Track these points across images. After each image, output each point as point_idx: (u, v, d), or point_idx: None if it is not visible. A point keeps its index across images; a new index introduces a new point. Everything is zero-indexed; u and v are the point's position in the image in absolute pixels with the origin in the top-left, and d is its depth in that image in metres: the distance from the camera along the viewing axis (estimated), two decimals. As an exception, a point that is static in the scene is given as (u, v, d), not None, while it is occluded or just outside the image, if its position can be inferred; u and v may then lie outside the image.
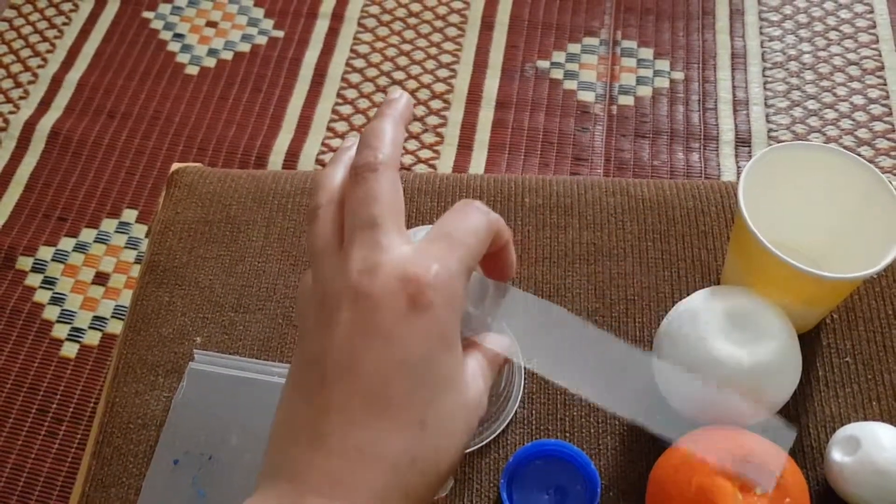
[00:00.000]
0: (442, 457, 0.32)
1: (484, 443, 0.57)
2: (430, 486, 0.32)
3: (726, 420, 0.51)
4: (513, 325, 0.42)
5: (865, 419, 0.56)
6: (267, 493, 0.32)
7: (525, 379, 0.59)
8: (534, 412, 0.58)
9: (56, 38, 1.65)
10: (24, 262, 1.37)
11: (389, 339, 0.31)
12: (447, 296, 0.32)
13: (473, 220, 0.34)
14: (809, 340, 0.59)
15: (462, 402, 0.33)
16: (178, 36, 1.64)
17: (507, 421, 0.57)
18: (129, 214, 1.42)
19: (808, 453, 0.55)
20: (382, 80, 1.56)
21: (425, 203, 0.68)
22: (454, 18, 1.63)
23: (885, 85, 1.49)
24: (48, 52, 1.63)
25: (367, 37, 1.62)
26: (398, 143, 0.36)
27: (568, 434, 0.57)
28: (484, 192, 0.68)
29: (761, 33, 1.57)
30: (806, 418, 0.56)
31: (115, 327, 1.30)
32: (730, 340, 0.50)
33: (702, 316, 0.52)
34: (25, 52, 1.63)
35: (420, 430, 0.31)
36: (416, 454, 0.31)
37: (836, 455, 0.51)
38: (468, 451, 0.56)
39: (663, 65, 1.54)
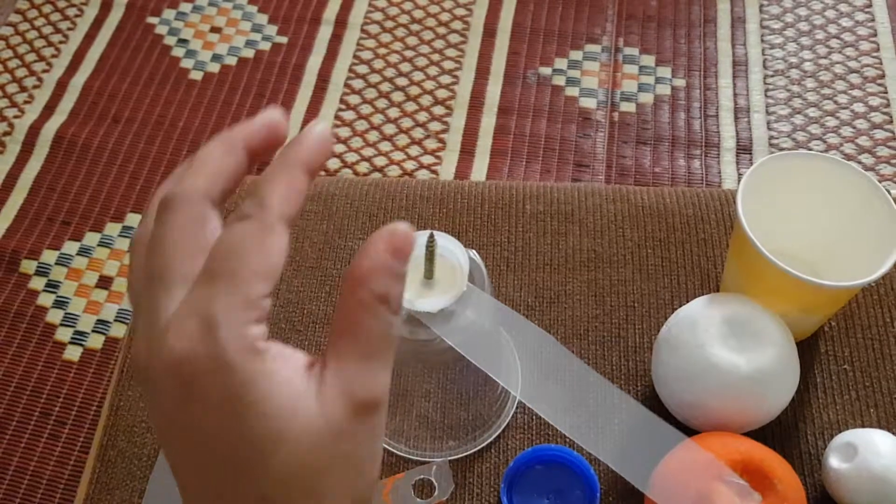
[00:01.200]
0: None
1: (481, 446, 0.57)
2: None
3: (724, 426, 0.52)
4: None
5: (863, 426, 0.56)
6: None
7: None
8: (534, 417, 0.58)
9: (61, 42, 1.66)
10: (28, 266, 1.37)
11: (182, 431, 0.26)
12: (213, 355, 0.25)
13: (235, 237, 0.27)
14: (808, 347, 0.59)
15: (309, 448, 0.26)
16: (183, 41, 1.65)
17: (505, 424, 0.58)
18: (133, 219, 1.42)
19: (805, 460, 0.55)
20: (385, 86, 1.56)
21: (427, 210, 0.68)
22: (457, 25, 1.64)
23: (886, 93, 1.49)
24: (53, 56, 1.64)
25: (371, 43, 1.63)
26: (223, 172, 0.29)
27: (568, 439, 0.57)
28: (485, 198, 0.69)
29: (762, 41, 1.58)
30: (804, 425, 0.57)
31: (119, 331, 1.31)
32: (728, 347, 0.51)
33: (701, 323, 0.52)
34: (30, 57, 1.64)
35: None
36: None
37: (834, 462, 0.51)
38: (465, 454, 0.57)
39: (665, 72, 1.55)
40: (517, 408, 0.58)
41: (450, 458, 0.57)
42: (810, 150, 1.43)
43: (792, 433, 0.56)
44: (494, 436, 0.57)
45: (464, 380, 0.57)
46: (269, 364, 0.26)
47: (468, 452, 0.57)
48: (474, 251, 0.47)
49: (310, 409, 0.26)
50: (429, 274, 0.44)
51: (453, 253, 0.46)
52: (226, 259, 0.26)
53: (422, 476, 0.54)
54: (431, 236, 0.43)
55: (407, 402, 0.58)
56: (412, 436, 0.57)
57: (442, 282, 0.45)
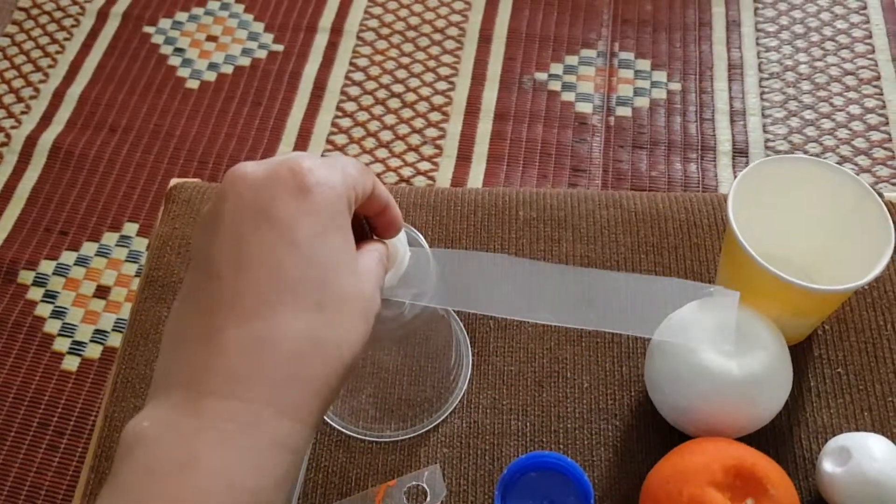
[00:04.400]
0: (342, 340, 0.31)
1: (437, 422, 0.58)
2: (333, 373, 0.31)
3: (718, 431, 0.52)
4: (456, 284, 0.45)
5: (857, 430, 0.56)
6: (159, 405, 0.30)
7: (519, 391, 0.59)
8: (528, 424, 0.58)
9: (58, 53, 1.66)
10: (26, 277, 1.38)
11: (275, 221, 0.31)
12: (330, 185, 0.32)
13: (351, 161, 0.36)
14: (801, 351, 0.59)
15: (357, 289, 0.33)
16: (179, 50, 1.65)
17: (456, 402, 0.58)
18: (130, 228, 1.42)
19: (799, 464, 0.55)
20: (381, 93, 1.57)
21: (421, 217, 0.68)
22: (452, 31, 1.65)
23: (882, 95, 1.49)
24: (50, 66, 1.64)
25: (367, 50, 1.63)
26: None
27: (562, 446, 0.57)
28: (479, 205, 0.69)
29: (758, 44, 1.58)
30: (798, 429, 0.57)
31: (116, 341, 1.31)
32: (720, 352, 0.51)
33: (693, 327, 0.52)
34: (27, 68, 1.64)
35: (317, 312, 0.30)
36: (315, 336, 0.30)
37: (828, 466, 0.51)
38: (422, 431, 0.58)
39: (660, 76, 1.55)
40: (511, 415, 0.58)
41: (408, 437, 0.58)
42: (806, 152, 1.43)
43: (786, 437, 0.56)
44: (450, 410, 0.58)
45: (415, 357, 0.58)
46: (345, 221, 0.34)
47: (415, 434, 0.58)
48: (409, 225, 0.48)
49: (372, 280, 0.36)
50: None
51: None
52: (346, 164, 0.35)
53: (414, 483, 0.54)
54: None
55: (360, 382, 0.58)
56: (366, 416, 0.58)
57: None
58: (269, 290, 0.30)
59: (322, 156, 0.37)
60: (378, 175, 1.45)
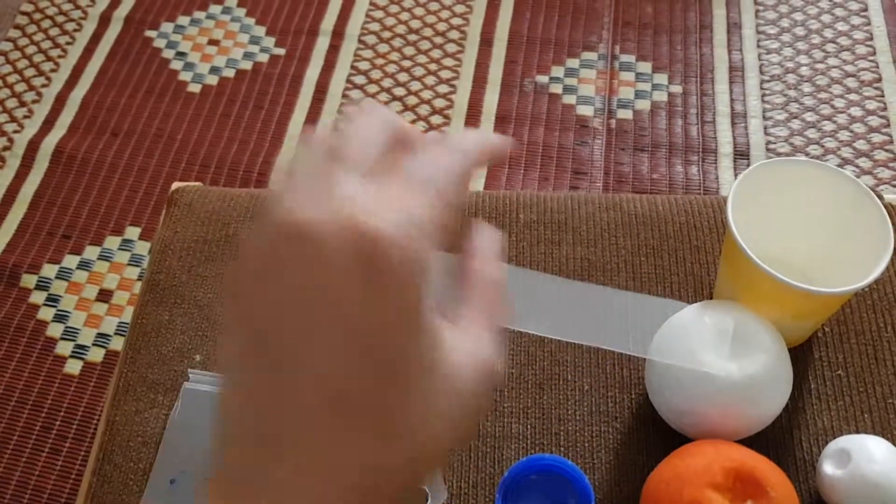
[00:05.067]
0: (419, 464, 0.26)
1: None
2: (397, 497, 0.26)
3: (718, 433, 0.52)
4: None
5: (857, 432, 0.56)
6: None
7: (520, 394, 0.59)
8: (529, 427, 0.58)
9: (60, 57, 1.67)
10: (29, 280, 1.38)
11: (342, 311, 0.24)
12: (413, 256, 0.24)
13: (445, 159, 0.28)
14: (802, 354, 0.59)
15: (446, 391, 0.26)
16: (181, 54, 1.66)
17: None
18: (133, 231, 1.43)
19: (800, 466, 0.55)
20: (383, 97, 1.57)
21: (421, 220, 0.68)
22: (453, 35, 1.65)
23: (883, 96, 1.49)
24: (52, 71, 1.65)
25: (368, 53, 1.63)
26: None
27: (563, 449, 0.57)
28: (479, 207, 0.69)
29: (759, 46, 1.58)
30: (798, 431, 0.57)
31: (119, 344, 1.31)
32: (721, 354, 0.51)
33: (693, 330, 0.52)
34: (30, 72, 1.65)
35: (390, 438, 0.25)
36: (383, 464, 0.25)
37: (828, 468, 0.51)
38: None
39: (661, 78, 1.55)
40: (512, 417, 0.59)
41: None
42: (808, 154, 1.43)
43: (786, 440, 0.56)
44: None
45: None
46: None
47: None
48: None
49: (455, 354, 0.26)
50: None
51: None
52: (434, 173, 0.26)
53: (416, 487, 0.54)
54: None
55: None
56: None
57: None
58: (334, 400, 0.24)
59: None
60: (379, 178, 1.45)
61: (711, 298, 0.62)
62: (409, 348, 0.25)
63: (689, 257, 0.64)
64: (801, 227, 0.58)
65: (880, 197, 0.62)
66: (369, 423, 0.24)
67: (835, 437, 0.55)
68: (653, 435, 0.57)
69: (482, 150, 0.30)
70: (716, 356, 0.51)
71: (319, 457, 0.24)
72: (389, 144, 0.27)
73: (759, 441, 0.55)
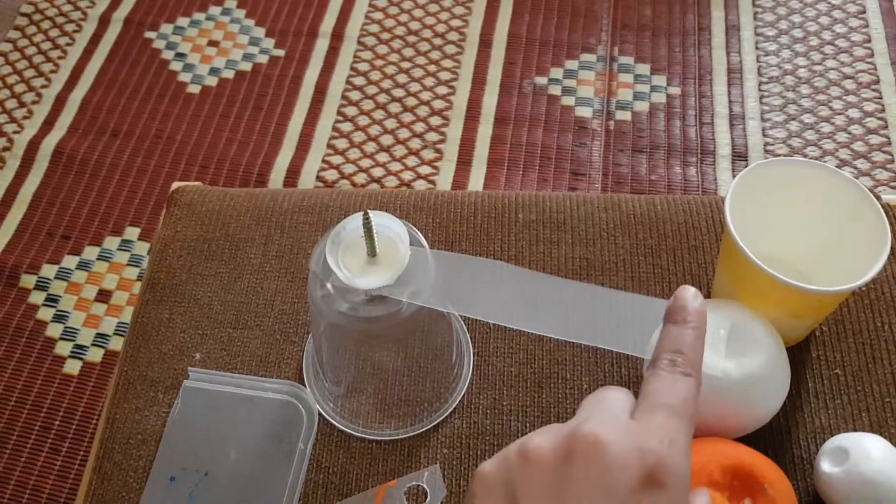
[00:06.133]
0: None
1: (437, 421, 0.58)
2: None
3: (716, 432, 0.52)
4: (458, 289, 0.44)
5: (855, 430, 0.57)
6: None
7: (519, 392, 0.60)
8: (528, 425, 0.58)
9: (60, 58, 1.67)
10: (28, 280, 1.38)
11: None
12: (682, 475, 0.30)
13: (683, 386, 0.33)
14: (799, 352, 0.60)
15: None
16: (180, 55, 1.66)
17: (456, 403, 0.59)
18: (132, 232, 1.43)
19: (797, 464, 0.56)
20: (382, 98, 1.57)
21: (421, 219, 0.69)
22: (453, 36, 1.65)
23: (881, 98, 1.50)
24: (52, 72, 1.65)
25: (367, 55, 1.64)
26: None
27: (561, 447, 0.57)
28: (478, 207, 0.69)
29: (757, 48, 1.59)
30: (795, 430, 0.57)
31: (118, 344, 1.31)
32: (719, 353, 0.51)
33: (691, 329, 0.52)
34: (29, 73, 1.65)
35: None
36: None
37: (826, 466, 0.52)
38: (414, 435, 0.58)
39: (660, 80, 1.55)
40: (511, 415, 0.59)
41: (408, 436, 0.58)
42: (806, 155, 1.43)
43: (784, 438, 0.56)
44: (450, 411, 0.58)
45: (415, 357, 0.58)
46: None
47: (424, 430, 0.58)
48: (411, 225, 0.48)
49: None
50: (372, 251, 0.45)
51: (391, 228, 0.47)
52: (680, 403, 0.33)
53: (414, 483, 0.54)
54: (366, 213, 0.44)
55: (360, 382, 0.59)
56: (366, 416, 0.58)
57: (387, 258, 0.46)
58: None
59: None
60: (378, 179, 1.46)
61: (709, 297, 0.62)
62: None
63: (688, 257, 0.65)
64: (798, 226, 0.58)
65: (878, 197, 0.63)
66: None
67: (832, 436, 0.55)
68: (651, 433, 0.57)
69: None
70: (713, 355, 0.51)
71: None
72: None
73: (756, 439, 0.55)
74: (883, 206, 0.54)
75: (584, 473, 0.29)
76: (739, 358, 0.51)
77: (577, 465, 0.29)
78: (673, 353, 0.34)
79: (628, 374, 0.60)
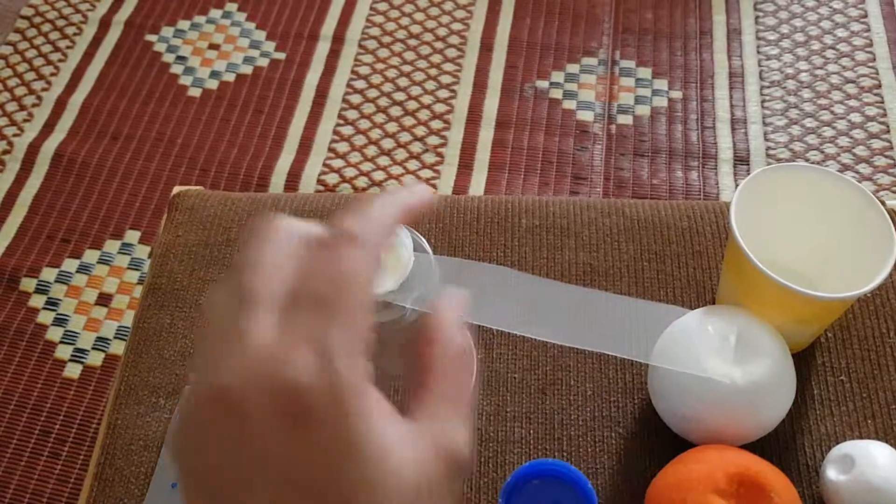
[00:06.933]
0: None
1: None
2: None
3: (721, 439, 0.52)
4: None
5: (860, 437, 0.56)
6: None
7: (522, 398, 0.59)
8: (531, 432, 0.58)
9: (60, 61, 1.67)
10: (28, 284, 1.38)
11: (274, 464, 0.24)
12: (332, 383, 0.24)
13: (349, 261, 0.26)
14: (804, 359, 0.59)
15: (399, 495, 0.25)
16: (181, 59, 1.66)
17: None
18: (132, 235, 1.43)
19: (803, 472, 0.55)
20: (383, 101, 1.57)
21: (424, 224, 0.68)
22: (454, 40, 1.65)
23: (883, 103, 1.50)
24: (52, 75, 1.65)
25: (368, 58, 1.63)
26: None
27: (565, 453, 0.57)
28: (481, 213, 0.69)
29: (759, 52, 1.58)
30: (801, 437, 0.56)
31: (118, 348, 1.31)
32: (724, 359, 0.51)
33: (696, 335, 0.52)
34: (30, 76, 1.65)
35: None
36: None
37: (831, 473, 0.51)
38: None
39: (661, 84, 1.55)
40: (515, 422, 0.58)
41: None
42: (807, 160, 1.43)
43: (789, 445, 0.56)
44: None
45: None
46: (374, 405, 0.25)
47: None
48: (414, 230, 0.48)
49: (405, 460, 0.25)
50: None
51: (395, 234, 0.47)
52: (336, 286, 0.26)
53: (419, 492, 0.54)
54: None
55: None
56: None
57: (390, 264, 0.46)
58: None
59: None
60: (379, 183, 1.46)
61: (714, 304, 0.62)
62: (349, 474, 0.24)
63: (692, 262, 0.64)
64: (803, 232, 0.58)
65: (882, 203, 0.62)
66: None
67: (838, 443, 0.55)
68: (656, 440, 0.57)
69: (399, 214, 0.29)
70: (719, 361, 0.51)
71: None
72: (300, 264, 0.26)
73: (762, 446, 0.55)
74: (888, 212, 0.53)
75: (229, 439, 0.25)
76: (745, 365, 0.51)
77: (221, 434, 0.25)
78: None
79: (632, 380, 0.60)
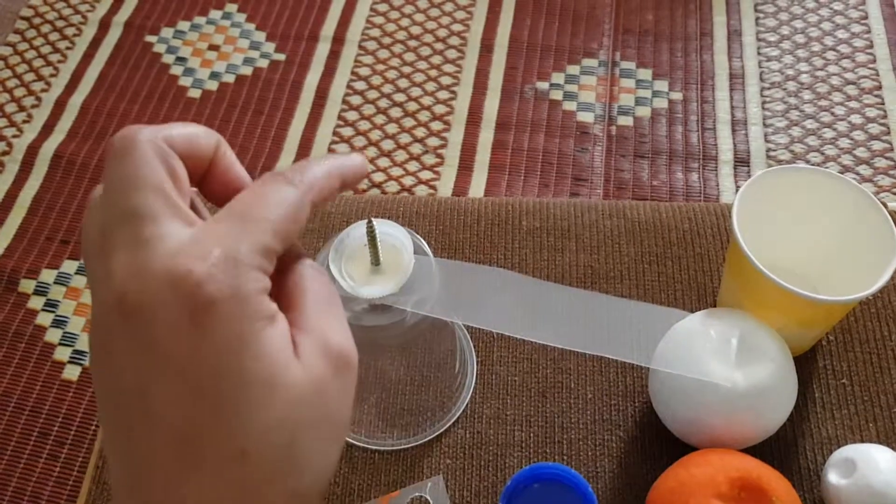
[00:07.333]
0: (289, 478, 0.26)
1: (434, 436, 0.58)
2: None
3: (722, 443, 0.52)
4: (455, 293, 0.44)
5: (862, 441, 0.56)
6: None
7: (522, 401, 0.59)
8: (532, 435, 0.58)
9: (59, 62, 1.66)
10: (27, 286, 1.37)
11: (174, 364, 0.25)
12: (235, 285, 0.25)
13: (274, 192, 0.28)
14: (806, 362, 0.59)
15: (295, 402, 0.26)
16: (181, 59, 1.66)
17: (459, 412, 0.58)
18: (132, 237, 1.42)
19: (804, 475, 0.55)
20: (383, 102, 1.57)
21: (424, 226, 0.68)
22: (454, 41, 1.65)
23: (883, 104, 1.49)
24: (52, 76, 1.64)
25: (368, 59, 1.63)
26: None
27: (566, 457, 0.57)
28: (482, 215, 0.68)
29: (759, 53, 1.58)
30: (802, 440, 0.56)
31: (117, 350, 1.31)
32: (725, 363, 0.51)
33: (697, 338, 0.52)
34: (29, 77, 1.65)
35: (243, 464, 0.25)
36: (246, 489, 0.26)
37: (833, 477, 0.51)
38: (417, 444, 0.57)
39: (662, 85, 1.55)
40: (515, 425, 0.58)
41: (411, 446, 0.57)
42: (808, 161, 1.43)
43: (790, 449, 0.56)
44: (453, 420, 0.58)
45: (418, 365, 0.58)
46: (273, 312, 0.27)
47: (427, 439, 0.58)
48: (415, 233, 0.48)
49: (296, 365, 0.27)
50: (375, 260, 0.45)
51: (395, 237, 0.46)
52: (259, 206, 0.27)
53: (417, 494, 0.54)
54: (370, 222, 0.44)
55: (363, 391, 0.58)
56: (369, 425, 0.58)
57: (390, 266, 0.46)
58: (185, 448, 0.25)
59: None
60: (379, 184, 1.45)
61: (715, 306, 0.62)
62: (243, 375, 0.25)
63: (693, 265, 0.64)
64: (805, 234, 0.57)
65: (884, 205, 0.62)
66: (223, 455, 0.25)
67: (839, 446, 0.55)
68: (657, 444, 0.57)
69: (332, 173, 0.31)
70: (720, 365, 0.51)
71: (183, 501, 0.25)
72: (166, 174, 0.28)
73: (763, 450, 0.54)
74: (890, 214, 0.53)
75: (129, 340, 0.26)
76: (747, 368, 0.50)
77: (120, 336, 0.26)
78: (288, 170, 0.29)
79: (633, 383, 0.59)
